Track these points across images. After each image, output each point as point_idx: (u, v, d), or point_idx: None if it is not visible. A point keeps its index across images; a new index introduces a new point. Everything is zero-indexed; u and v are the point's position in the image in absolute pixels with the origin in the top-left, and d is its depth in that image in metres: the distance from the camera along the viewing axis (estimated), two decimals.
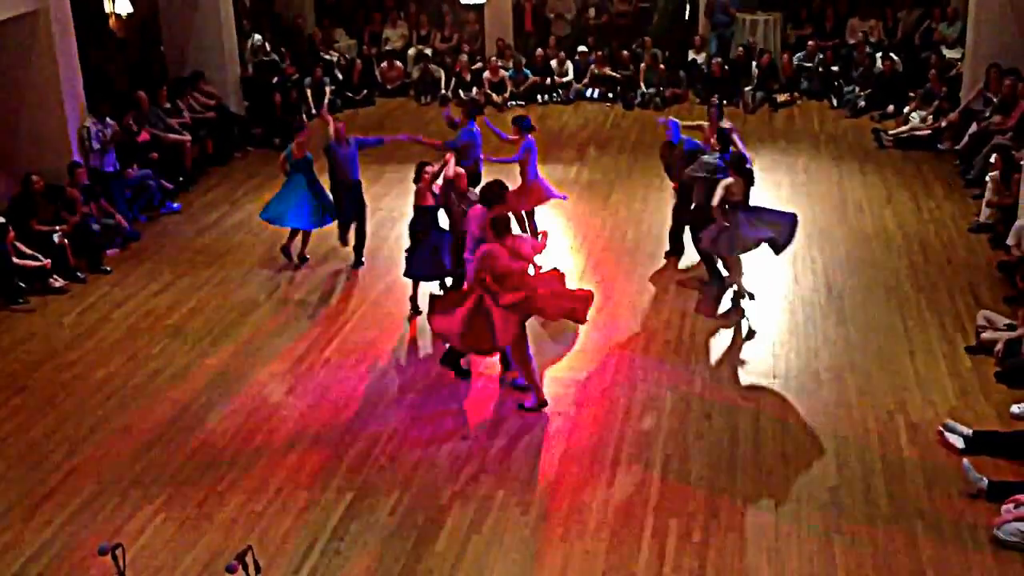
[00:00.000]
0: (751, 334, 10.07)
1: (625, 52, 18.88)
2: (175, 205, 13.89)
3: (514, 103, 18.29)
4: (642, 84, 18.31)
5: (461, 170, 10.29)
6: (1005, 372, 9.04)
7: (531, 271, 8.93)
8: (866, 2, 19.25)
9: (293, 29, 19.76)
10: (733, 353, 9.78)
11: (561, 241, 12.25)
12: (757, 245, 10.26)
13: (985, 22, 15.19)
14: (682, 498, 7.61)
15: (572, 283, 11.04)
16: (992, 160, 12.54)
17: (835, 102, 17.66)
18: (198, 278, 11.77)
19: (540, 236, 9.34)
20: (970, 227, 12.36)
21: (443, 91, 18.74)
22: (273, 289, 11.42)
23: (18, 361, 10.02)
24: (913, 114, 15.83)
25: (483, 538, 7.24)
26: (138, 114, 14.45)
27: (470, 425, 8.74)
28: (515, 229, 12.01)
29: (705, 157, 11.01)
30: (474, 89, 18.46)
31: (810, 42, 18.61)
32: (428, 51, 19.62)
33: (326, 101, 17.32)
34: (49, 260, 11.45)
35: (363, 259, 11.86)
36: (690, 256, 11.58)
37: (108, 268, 12.02)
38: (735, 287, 10.64)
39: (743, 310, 10.49)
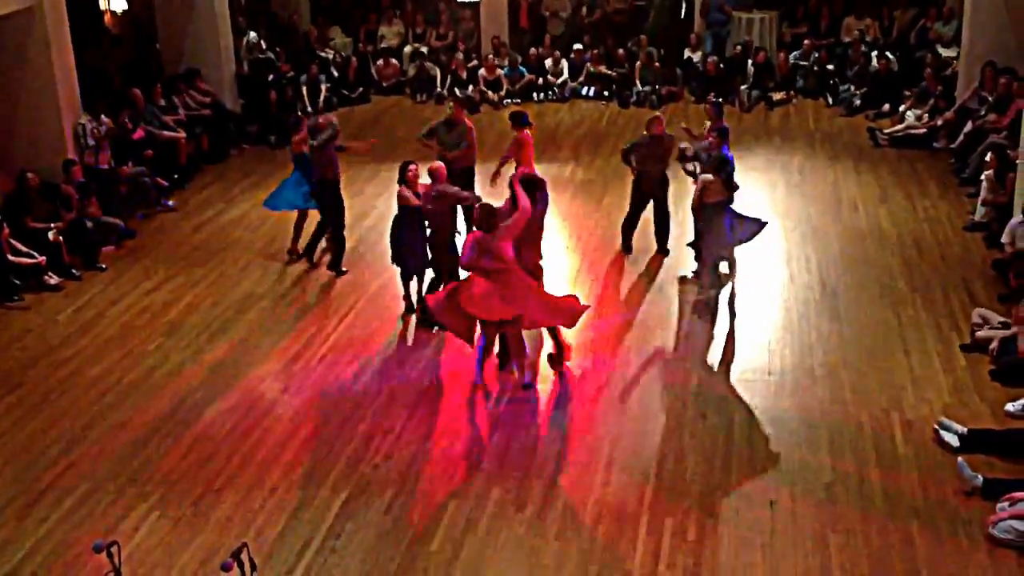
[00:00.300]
0: (743, 333, 10.09)
1: (621, 50, 18.87)
2: (170, 202, 13.88)
3: (510, 101, 18.28)
4: (638, 82, 18.31)
5: (439, 164, 10.28)
6: (999, 370, 9.05)
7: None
8: (862, 1, 19.27)
9: (289, 26, 19.75)
10: (728, 351, 9.78)
11: (556, 240, 12.24)
12: (732, 250, 10.48)
13: (980, 21, 15.20)
14: (677, 496, 7.62)
15: (571, 283, 11.09)
16: (987, 159, 12.56)
17: (831, 101, 17.67)
18: (193, 275, 11.76)
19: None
20: (965, 225, 12.38)
21: (439, 89, 18.72)
22: (269, 286, 11.42)
23: (13, 358, 10.01)
24: (908, 113, 15.84)
25: (478, 537, 7.24)
26: (133, 111, 14.43)
27: (466, 423, 8.76)
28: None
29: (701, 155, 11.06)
30: (470, 87, 18.46)
31: (806, 40, 18.62)
32: (424, 49, 19.62)
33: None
34: (44, 257, 11.45)
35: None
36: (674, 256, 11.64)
37: (103, 265, 12.00)
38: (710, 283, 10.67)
39: (723, 306, 10.53)
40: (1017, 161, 11.86)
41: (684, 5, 20.14)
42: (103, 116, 13.42)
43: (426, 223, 10.12)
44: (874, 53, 17.80)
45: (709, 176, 10.28)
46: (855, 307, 10.48)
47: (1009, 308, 9.84)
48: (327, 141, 11.34)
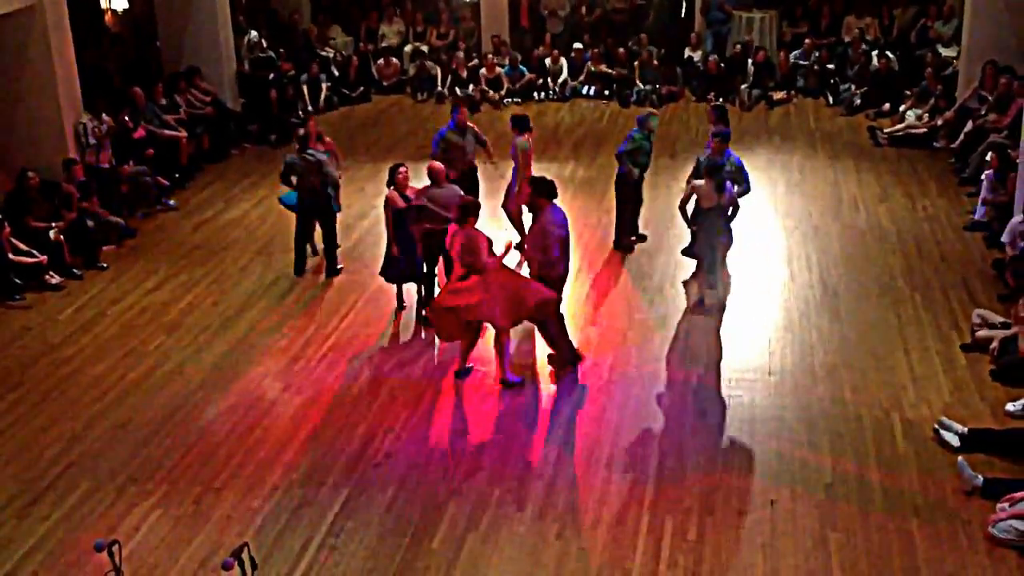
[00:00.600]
0: (743, 333, 10.09)
1: (621, 49, 18.87)
2: (171, 201, 13.88)
3: (510, 100, 18.29)
4: (638, 81, 18.31)
5: (439, 164, 10.30)
6: (1000, 370, 9.06)
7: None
8: (862, 0, 19.28)
9: (289, 25, 19.74)
10: (728, 350, 9.79)
11: None
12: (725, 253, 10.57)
13: (981, 20, 15.22)
14: (677, 495, 7.62)
15: (571, 283, 11.06)
16: (988, 158, 12.57)
17: (831, 100, 17.67)
18: (194, 275, 11.77)
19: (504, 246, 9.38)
20: (965, 225, 12.39)
21: (439, 88, 18.72)
22: (269, 285, 11.43)
23: (14, 357, 10.02)
24: (909, 112, 15.85)
25: (479, 536, 7.25)
26: (134, 110, 14.43)
27: (467, 422, 8.77)
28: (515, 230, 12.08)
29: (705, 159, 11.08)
30: (470, 86, 18.46)
31: (806, 40, 18.62)
32: (424, 48, 19.62)
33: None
34: (45, 256, 11.45)
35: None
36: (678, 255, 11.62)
37: (104, 264, 12.01)
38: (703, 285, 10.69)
39: (723, 307, 10.53)
40: (1018, 160, 11.87)
41: (684, 4, 20.15)
42: (104, 115, 13.42)
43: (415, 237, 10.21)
44: (874, 52, 17.79)
45: (700, 182, 10.31)
46: (855, 306, 10.48)
47: (1009, 308, 9.85)
48: (333, 181, 11.60)
